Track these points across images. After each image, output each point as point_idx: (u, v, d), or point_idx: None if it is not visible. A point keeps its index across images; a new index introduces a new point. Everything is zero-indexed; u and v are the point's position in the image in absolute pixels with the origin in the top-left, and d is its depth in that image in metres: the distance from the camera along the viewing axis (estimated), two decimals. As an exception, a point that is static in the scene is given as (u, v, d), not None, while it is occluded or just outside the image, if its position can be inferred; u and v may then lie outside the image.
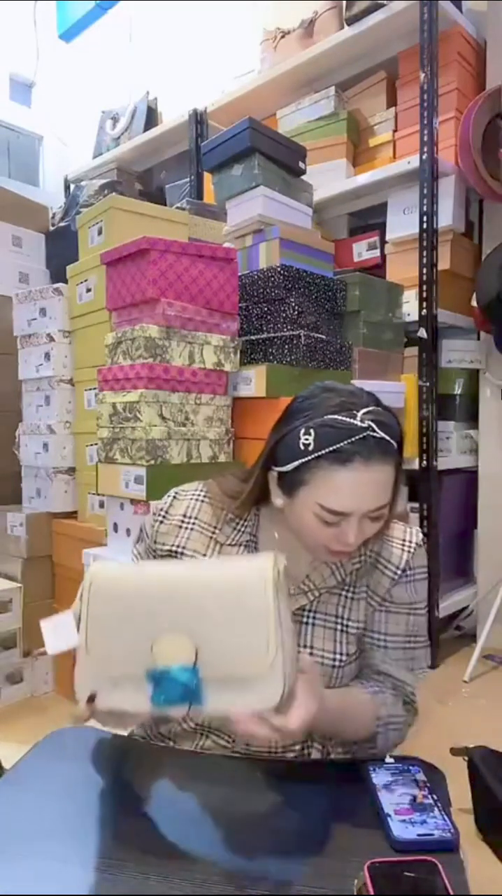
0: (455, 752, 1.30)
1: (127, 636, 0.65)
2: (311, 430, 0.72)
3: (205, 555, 0.85)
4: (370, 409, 0.72)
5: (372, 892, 0.53)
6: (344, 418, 0.71)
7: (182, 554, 0.85)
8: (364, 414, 0.71)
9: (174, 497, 0.89)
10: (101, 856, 0.61)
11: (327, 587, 0.82)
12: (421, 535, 0.86)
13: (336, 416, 0.71)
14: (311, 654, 0.81)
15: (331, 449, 0.70)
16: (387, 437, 0.71)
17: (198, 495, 0.88)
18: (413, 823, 0.63)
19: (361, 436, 0.70)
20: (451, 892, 0.54)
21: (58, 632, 0.69)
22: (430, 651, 0.84)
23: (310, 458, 0.72)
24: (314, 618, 0.82)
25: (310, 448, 0.72)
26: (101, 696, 0.66)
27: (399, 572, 0.82)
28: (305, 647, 0.81)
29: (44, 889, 0.56)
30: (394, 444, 0.73)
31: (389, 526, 0.83)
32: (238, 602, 0.64)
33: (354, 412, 0.71)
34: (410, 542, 0.84)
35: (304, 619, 0.82)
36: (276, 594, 0.63)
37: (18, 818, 0.66)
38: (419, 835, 0.62)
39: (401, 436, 0.74)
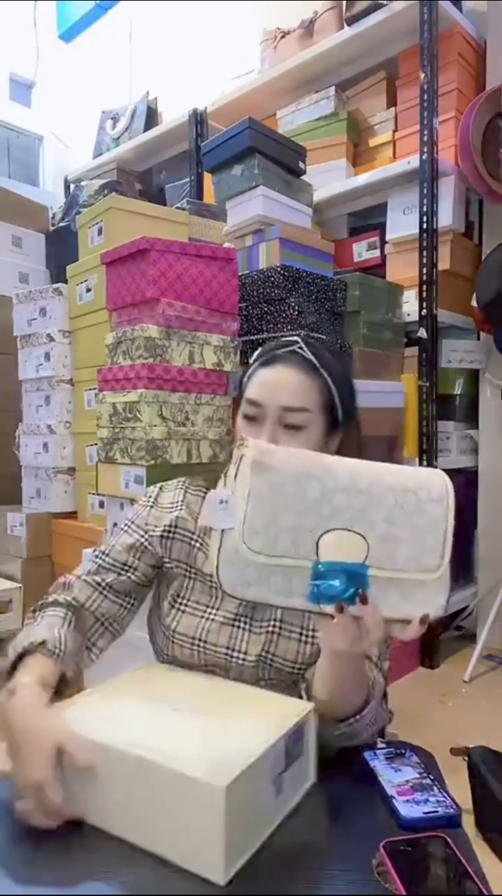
0: (455, 752, 1.30)
1: (287, 524, 0.60)
2: (258, 351, 0.90)
3: (193, 534, 0.89)
4: (307, 336, 0.81)
5: (391, 869, 0.56)
6: (281, 339, 0.88)
7: (175, 533, 0.89)
8: (299, 337, 0.87)
9: (160, 489, 0.96)
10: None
11: None
12: None
13: (279, 341, 0.88)
14: (272, 659, 0.82)
15: (263, 356, 0.87)
16: (311, 357, 0.84)
17: (181, 485, 0.95)
18: (417, 803, 0.67)
19: (289, 349, 0.85)
20: (464, 863, 0.58)
21: (226, 508, 0.61)
22: (384, 683, 0.81)
23: (251, 368, 0.87)
24: (280, 628, 0.83)
25: (252, 361, 0.88)
26: (239, 587, 0.61)
27: None
28: (267, 653, 0.82)
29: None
30: (317, 364, 0.84)
31: None
32: (419, 505, 0.62)
33: (296, 339, 0.86)
34: None
35: (270, 629, 0.83)
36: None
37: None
38: (425, 813, 0.65)
39: (330, 363, 0.85)
